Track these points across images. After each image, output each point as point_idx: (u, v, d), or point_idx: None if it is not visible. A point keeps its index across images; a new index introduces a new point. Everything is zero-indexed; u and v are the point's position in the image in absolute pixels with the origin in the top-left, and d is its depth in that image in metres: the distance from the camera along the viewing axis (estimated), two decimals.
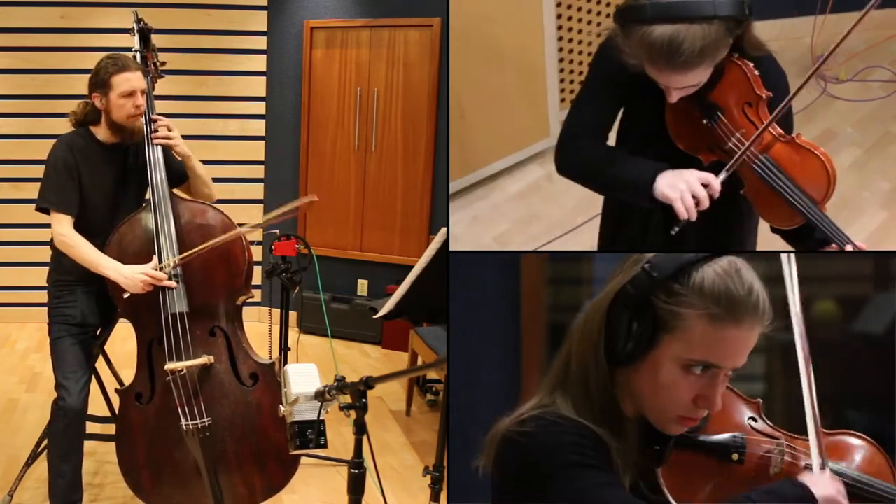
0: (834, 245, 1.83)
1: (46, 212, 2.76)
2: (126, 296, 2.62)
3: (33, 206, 2.80)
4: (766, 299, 1.29)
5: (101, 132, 2.80)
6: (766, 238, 2.33)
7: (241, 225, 2.83)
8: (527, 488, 1.29)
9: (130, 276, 2.62)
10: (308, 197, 2.75)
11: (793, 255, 1.47)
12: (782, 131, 1.89)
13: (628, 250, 2.23)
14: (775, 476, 1.41)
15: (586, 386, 1.34)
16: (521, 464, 1.31)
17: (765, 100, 1.87)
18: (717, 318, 1.26)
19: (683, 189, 1.84)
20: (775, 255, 1.48)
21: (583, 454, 1.26)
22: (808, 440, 1.44)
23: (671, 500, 1.34)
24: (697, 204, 1.85)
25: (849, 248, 1.82)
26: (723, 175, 1.89)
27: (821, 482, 1.33)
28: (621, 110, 2.13)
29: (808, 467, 1.42)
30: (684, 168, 1.91)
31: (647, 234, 2.16)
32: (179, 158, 2.91)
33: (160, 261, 2.66)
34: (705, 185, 1.86)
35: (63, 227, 2.72)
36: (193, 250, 2.66)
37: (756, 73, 1.86)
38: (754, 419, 1.46)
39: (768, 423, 1.47)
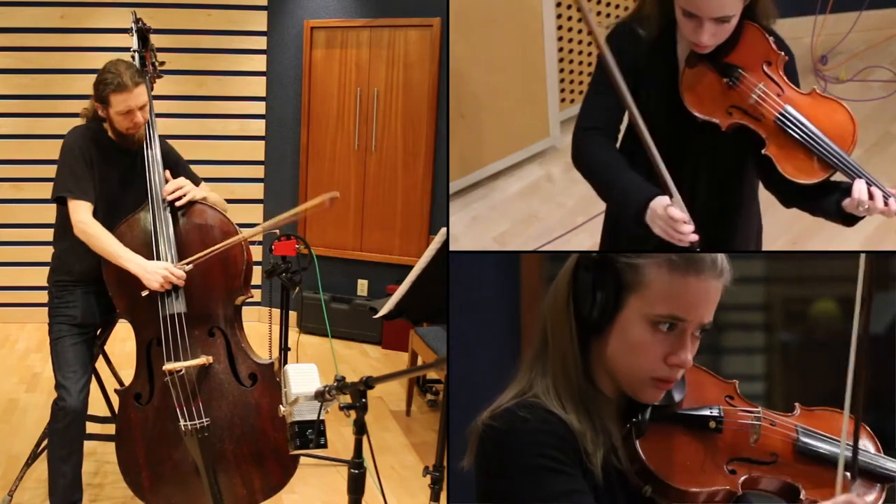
0: (862, 185, 1.82)
1: (63, 201, 2.73)
2: (145, 293, 2.60)
3: (33, 206, 2.80)
4: (723, 257, 1.33)
5: (110, 131, 2.81)
6: (767, 239, 2.33)
7: (240, 226, 2.83)
8: (496, 487, 1.31)
9: (153, 272, 2.60)
10: (330, 193, 2.70)
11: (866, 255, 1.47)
12: (800, 88, 1.94)
13: (629, 245, 2.23)
14: (755, 444, 1.42)
15: (564, 361, 1.37)
16: (491, 462, 1.33)
17: (782, 59, 1.92)
18: (677, 266, 1.29)
19: (662, 227, 1.86)
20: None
21: (548, 455, 1.28)
22: (784, 415, 1.47)
23: (649, 465, 1.35)
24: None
25: (875, 191, 1.82)
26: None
27: None
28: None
29: (790, 439, 1.43)
30: (701, 142, 1.96)
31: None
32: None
33: (157, 259, 2.66)
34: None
35: (83, 215, 2.69)
36: (209, 250, 2.65)
37: (771, 37, 1.93)
38: (731, 397, 1.48)
39: (745, 399, 1.48)
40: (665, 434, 1.40)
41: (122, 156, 2.82)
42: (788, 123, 1.90)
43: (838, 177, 1.90)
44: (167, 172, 2.82)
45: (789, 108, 1.91)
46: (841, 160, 1.86)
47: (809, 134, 1.88)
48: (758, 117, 1.93)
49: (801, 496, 1.37)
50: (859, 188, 1.83)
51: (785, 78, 1.94)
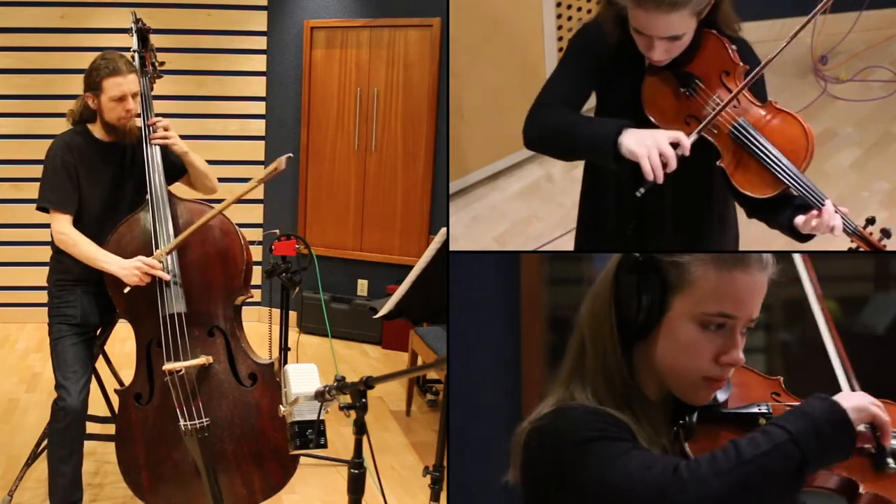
0: (814, 211, 1.80)
1: (46, 211, 2.77)
2: (126, 290, 2.61)
3: (33, 206, 2.81)
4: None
5: (98, 130, 2.80)
6: (767, 239, 2.33)
7: (240, 226, 2.83)
8: (551, 482, 1.26)
9: (128, 268, 2.62)
10: (284, 157, 2.71)
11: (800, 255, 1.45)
12: (759, 100, 1.91)
13: (603, 241, 2.22)
14: None
15: (605, 368, 1.33)
16: (540, 459, 1.28)
17: (741, 70, 1.88)
18: (723, 261, 1.26)
19: (650, 145, 1.81)
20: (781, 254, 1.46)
21: (600, 430, 1.23)
22: None
23: None
24: (665, 165, 1.81)
25: (827, 203, 1.79)
26: (693, 136, 1.87)
27: (849, 395, 1.26)
28: (594, 92, 2.12)
29: None
30: None
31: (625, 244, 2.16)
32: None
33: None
34: (675, 145, 1.83)
35: (62, 226, 2.73)
36: (184, 233, 2.65)
37: (733, 46, 1.89)
38: (777, 394, 1.43)
39: (792, 395, 1.43)
40: (714, 435, 1.34)
41: (113, 154, 2.82)
42: (742, 136, 1.86)
43: None
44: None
45: (743, 121, 1.87)
46: (793, 177, 1.82)
47: (762, 148, 1.84)
48: (714, 129, 1.90)
49: (860, 490, 1.30)
50: (812, 212, 1.79)
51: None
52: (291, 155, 2.70)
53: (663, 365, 1.32)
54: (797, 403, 1.40)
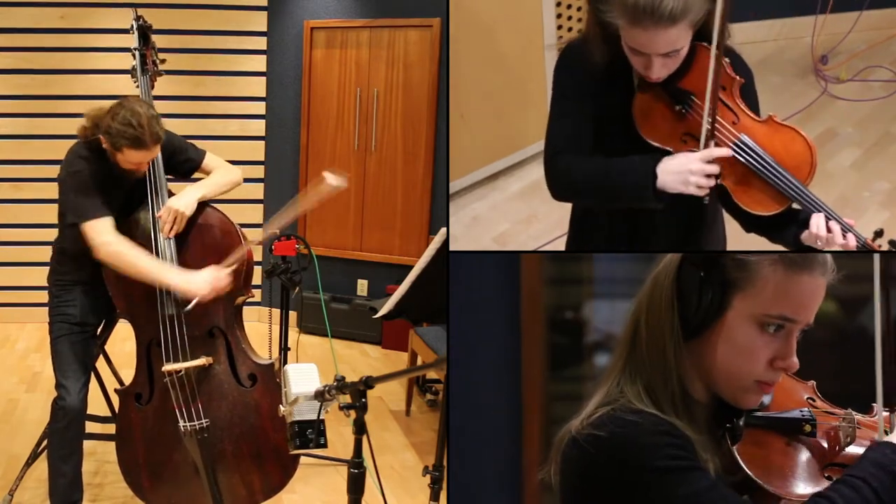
0: (820, 220, 1.77)
1: (76, 226, 2.63)
2: (191, 306, 2.57)
3: (33, 206, 2.78)
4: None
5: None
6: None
7: (240, 226, 2.83)
8: (611, 494, 1.21)
9: (200, 283, 2.56)
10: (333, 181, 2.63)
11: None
12: (756, 114, 1.86)
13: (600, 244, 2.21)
14: (847, 449, 1.34)
15: (663, 364, 1.29)
16: (603, 468, 1.22)
17: (738, 83, 1.84)
18: (793, 263, 1.24)
19: (695, 181, 1.81)
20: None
21: (678, 457, 1.20)
22: (866, 417, 1.39)
23: (753, 476, 1.27)
24: (712, 178, 1.81)
25: (833, 225, 1.77)
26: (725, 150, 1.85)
27: None
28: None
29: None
30: None
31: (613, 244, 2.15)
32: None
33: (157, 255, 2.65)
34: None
35: (105, 235, 2.56)
36: (235, 254, 2.64)
37: (726, 59, 1.83)
38: (812, 399, 1.41)
39: (826, 401, 1.42)
40: (760, 439, 1.32)
41: (125, 175, 2.77)
42: (744, 154, 1.82)
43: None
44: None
45: (745, 138, 1.82)
46: (799, 192, 1.79)
47: (766, 165, 1.80)
48: (715, 146, 1.84)
49: None
50: (817, 223, 1.77)
51: (741, 104, 1.85)
52: (346, 175, 2.63)
53: (716, 366, 1.29)
54: (832, 410, 1.39)
